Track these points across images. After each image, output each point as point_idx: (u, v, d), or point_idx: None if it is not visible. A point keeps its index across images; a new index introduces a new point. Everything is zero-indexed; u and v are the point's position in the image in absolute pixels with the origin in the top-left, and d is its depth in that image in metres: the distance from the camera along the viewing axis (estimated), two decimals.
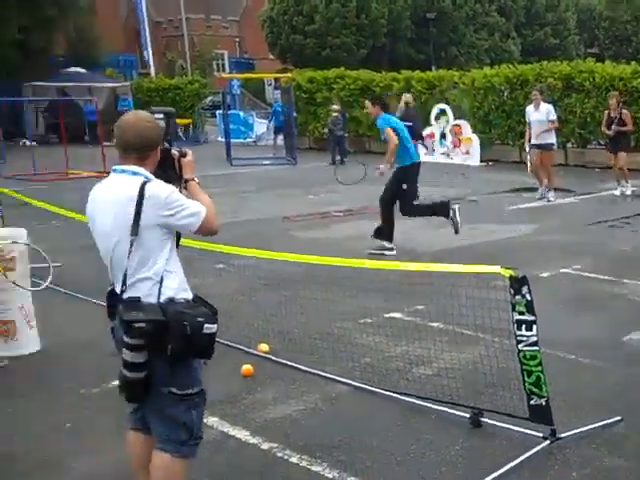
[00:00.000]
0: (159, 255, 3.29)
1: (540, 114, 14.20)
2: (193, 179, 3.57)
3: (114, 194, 3.30)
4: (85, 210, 3.47)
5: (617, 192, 14.76)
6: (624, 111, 14.74)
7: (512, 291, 4.38)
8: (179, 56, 59.98)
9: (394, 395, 5.22)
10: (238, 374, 5.58)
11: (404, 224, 12.04)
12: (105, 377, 5.53)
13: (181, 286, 3.35)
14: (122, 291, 3.27)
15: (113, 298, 3.38)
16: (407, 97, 18.52)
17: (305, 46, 45.10)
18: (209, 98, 41.33)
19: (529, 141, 14.51)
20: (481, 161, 21.55)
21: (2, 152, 21.00)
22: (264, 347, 6.10)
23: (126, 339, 3.16)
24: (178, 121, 27.95)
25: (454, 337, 6.25)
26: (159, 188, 3.29)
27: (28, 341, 6.19)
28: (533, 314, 4.37)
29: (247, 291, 7.57)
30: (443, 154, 22.51)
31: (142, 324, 3.12)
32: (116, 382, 5.28)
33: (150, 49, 38.96)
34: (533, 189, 15.08)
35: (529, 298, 4.35)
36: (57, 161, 20.20)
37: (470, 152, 21.86)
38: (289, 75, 25.56)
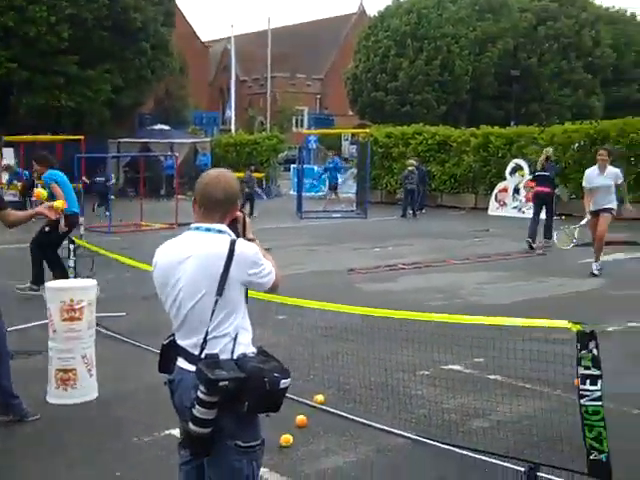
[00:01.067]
0: (239, 312, 3.31)
1: (606, 178, 11.89)
2: (255, 239, 3.55)
3: (200, 251, 3.28)
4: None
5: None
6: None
7: (579, 346, 4.31)
8: (260, 113, 61.32)
9: (449, 448, 5.12)
10: (292, 425, 5.54)
11: (478, 276, 12.01)
12: (157, 426, 5.58)
13: (250, 341, 3.35)
14: (202, 348, 3.25)
15: (172, 350, 3.38)
16: (548, 151, 17.97)
17: (386, 102, 45.57)
18: (285, 152, 42.15)
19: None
20: (555, 215, 21.22)
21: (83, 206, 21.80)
22: (319, 398, 6.07)
23: (203, 396, 3.10)
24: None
25: (513, 390, 6.13)
26: (247, 247, 3.30)
27: (87, 389, 6.28)
28: (599, 369, 4.30)
29: (305, 342, 7.57)
30: (515, 208, 22.46)
31: (226, 382, 3.07)
32: (167, 431, 5.42)
33: (233, 106, 39.98)
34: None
35: (595, 353, 4.29)
36: (133, 214, 20.75)
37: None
38: (367, 130, 25.89)
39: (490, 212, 23.21)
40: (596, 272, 11.87)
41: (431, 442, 5.22)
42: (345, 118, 55.78)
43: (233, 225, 3.47)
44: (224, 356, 3.23)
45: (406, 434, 5.38)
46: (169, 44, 34.41)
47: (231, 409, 3.15)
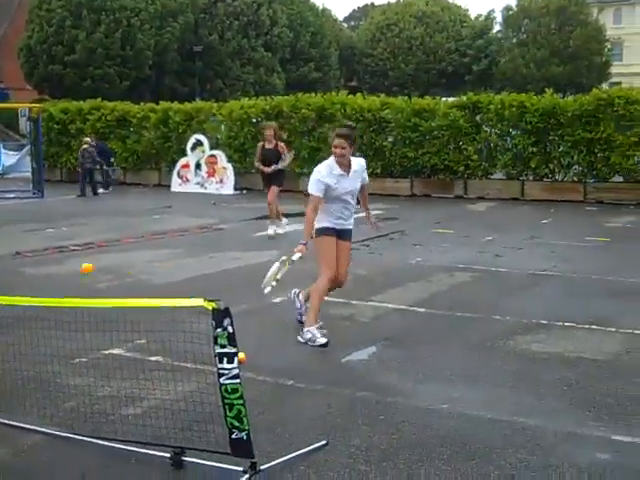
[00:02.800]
0: None
1: (354, 180, 7.16)
2: None
3: None
4: None
5: (270, 232, 13.33)
6: (281, 144, 13.60)
7: (214, 323, 4.18)
8: None
9: (93, 440, 4.79)
10: None
11: (151, 254, 11.71)
12: None
13: None
14: None
15: None
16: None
17: (64, 76, 43.52)
18: None
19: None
20: (235, 189, 21.68)
21: None
22: None
23: None
24: None
25: (171, 371, 5.90)
26: None
27: None
28: (235, 346, 4.22)
29: None
30: (197, 184, 22.57)
31: None
32: None
33: None
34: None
35: (231, 330, 4.21)
36: None
37: (224, 181, 21.97)
38: (39, 105, 24.37)
39: (173, 189, 23.03)
40: None
41: (74, 436, 4.86)
42: (25, 92, 52.25)
43: None
44: None
45: (46, 430, 4.95)
46: None
47: None
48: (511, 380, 5.85)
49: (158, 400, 5.44)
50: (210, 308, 4.18)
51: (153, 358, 6.37)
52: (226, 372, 4.19)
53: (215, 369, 5.83)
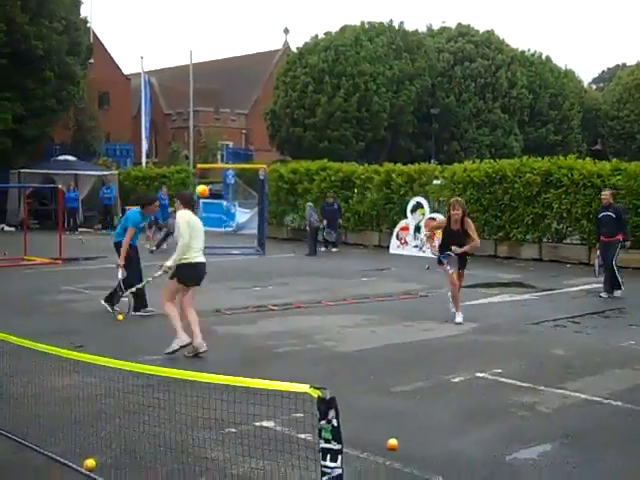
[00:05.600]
0: None
1: None
2: None
3: None
4: None
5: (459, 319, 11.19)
6: (469, 222, 11.25)
7: (318, 414, 3.73)
8: (185, 147, 60.41)
9: None
10: None
11: (345, 319, 11.43)
12: None
13: None
14: None
15: None
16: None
17: (304, 138, 45.35)
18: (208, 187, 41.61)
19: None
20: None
21: None
22: (90, 463, 5.34)
23: None
24: None
25: (315, 453, 5.47)
26: None
27: None
28: (339, 442, 3.74)
29: (111, 396, 6.78)
30: (415, 247, 22.13)
31: None
32: None
33: (144, 138, 39.08)
34: (492, 284, 14.48)
35: (335, 424, 3.75)
36: (30, 248, 19.91)
37: None
38: (263, 166, 25.22)
39: (392, 251, 22.82)
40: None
41: None
42: (267, 153, 55.22)
43: None
44: None
45: None
46: (76, 74, 33.25)
47: None
48: None
49: None
50: (315, 396, 3.74)
51: (302, 436, 5.95)
52: (328, 471, 3.71)
53: (364, 455, 5.42)
